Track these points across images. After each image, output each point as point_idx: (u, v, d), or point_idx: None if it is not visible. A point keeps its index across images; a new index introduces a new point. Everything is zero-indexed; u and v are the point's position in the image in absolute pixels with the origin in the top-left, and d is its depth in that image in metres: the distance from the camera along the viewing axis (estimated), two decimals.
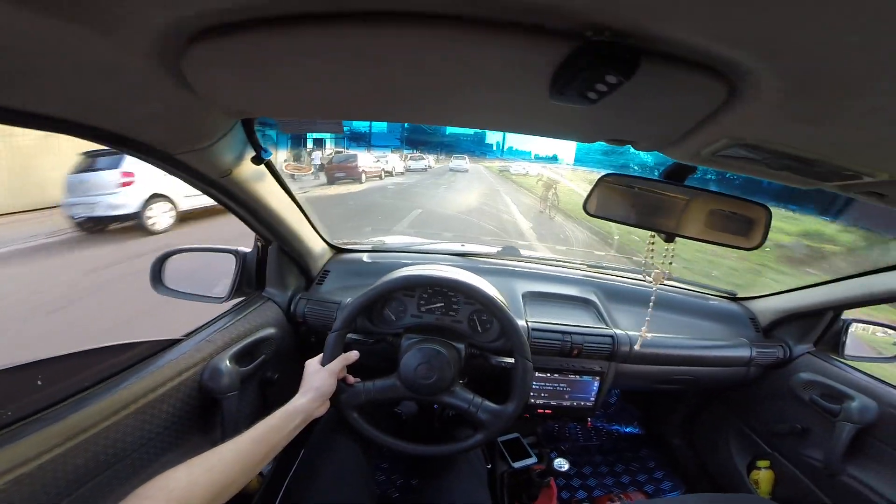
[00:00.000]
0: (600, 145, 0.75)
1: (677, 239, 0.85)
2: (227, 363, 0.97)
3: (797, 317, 1.31)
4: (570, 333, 1.18)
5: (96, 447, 0.72)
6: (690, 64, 0.42)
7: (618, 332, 1.21)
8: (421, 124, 0.70)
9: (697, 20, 0.35)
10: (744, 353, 1.25)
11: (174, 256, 1.15)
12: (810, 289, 1.28)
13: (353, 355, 0.99)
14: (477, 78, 0.48)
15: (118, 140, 0.60)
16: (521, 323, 1.17)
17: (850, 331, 1.25)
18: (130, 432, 0.78)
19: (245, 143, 0.82)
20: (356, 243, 1.52)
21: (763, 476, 1.29)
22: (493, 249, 1.59)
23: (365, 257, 1.45)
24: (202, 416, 0.95)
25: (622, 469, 1.71)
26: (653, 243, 0.90)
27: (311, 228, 1.27)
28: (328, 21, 0.40)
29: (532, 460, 1.43)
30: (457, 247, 1.57)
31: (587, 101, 0.45)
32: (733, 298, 1.48)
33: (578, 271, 1.50)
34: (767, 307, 1.39)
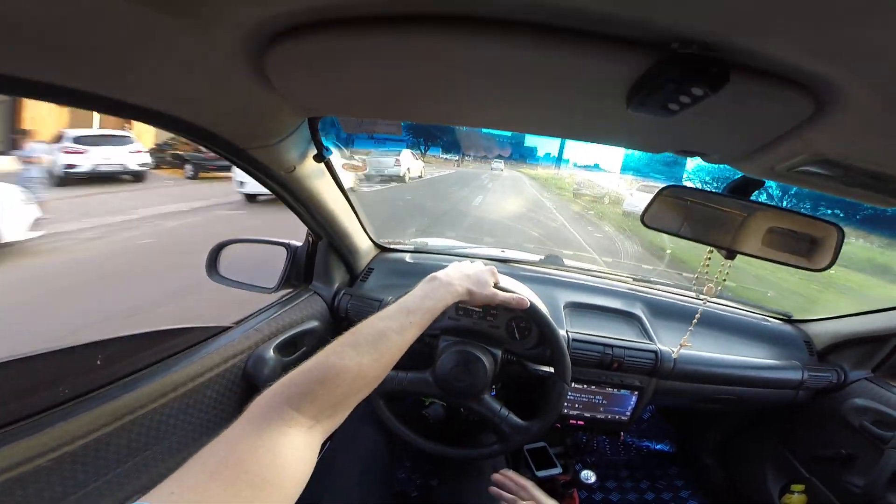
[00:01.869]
0: (661, 155, 0.73)
1: (738, 256, 0.83)
2: (271, 353, 1.00)
3: (857, 342, 1.24)
4: (611, 346, 1.15)
5: (140, 428, 0.75)
6: (779, 78, 0.41)
7: (662, 348, 1.17)
8: (490, 129, 0.70)
9: (791, 36, 0.34)
10: (794, 375, 1.19)
11: (230, 246, 1.20)
12: (874, 314, 1.22)
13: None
14: (553, 87, 0.49)
15: (199, 133, 0.64)
16: (561, 333, 1.16)
17: None
18: (174, 415, 0.81)
19: (309, 141, 0.85)
20: (400, 243, 1.54)
21: (796, 500, 1.23)
22: (536, 257, 1.57)
23: (408, 257, 1.47)
24: (243, 403, 0.98)
25: (647, 486, 1.65)
26: (709, 258, 0.87)
27: (360, 226, 1.30)
28: (405, 24, 0.41)
29: (557, 470, 1.41)
30: (497, 252, 1.57)
31: (667, 112, 0.45)
32: (788, 320, 1.41)
33: (624, 284, 1.47)
34: (825, 330, 1.33)
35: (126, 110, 0.54)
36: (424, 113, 0.65)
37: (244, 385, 0.97)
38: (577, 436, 1.79)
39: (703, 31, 0.36)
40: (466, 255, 1.52)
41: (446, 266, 0.85)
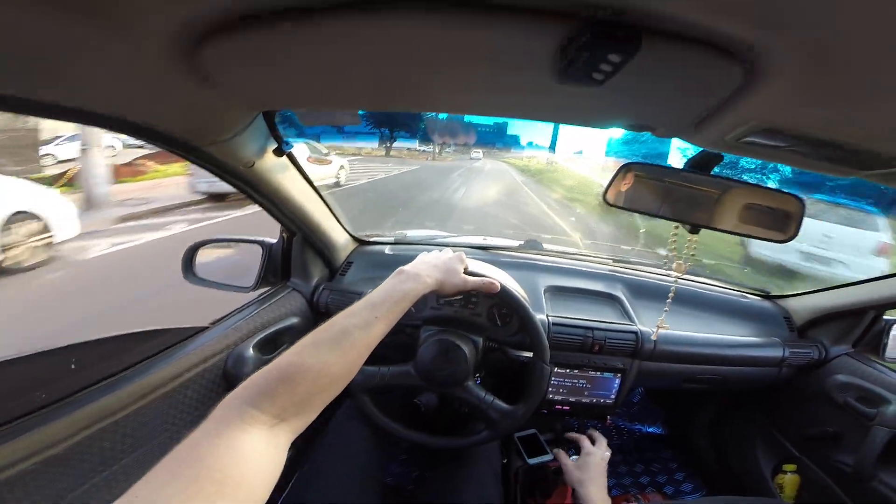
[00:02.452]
0: (642, 137, 0.73)
1: (711, 233, 0.83)
2: (251, 351, 1.00)
3: (836, 316, 1.24)
4: (591, 329, 1.16)
5: (124, 430, 0.75)
6: (698, 43, 0.40)
7: (642, 328, 1.18)
8: (432, 112, 0.69)
9: None
10: (776, 353, 1.20)
11: (204, 247, 1.20)
12: (851, 287, 1.22)
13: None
14: (479, 63, 0.48)
15: (145, 132, 0.63)
16: (541, 317, 1.16)
17: (892, 332, 1.18)
18: (156, 416, 0.81)
19: (267, 135, 0.85)
20: (378, 235, 1.54)
21: (788, 480, 1.24)
22: (515, 243, 1.57)
23: (387, 249, 1.47)
24: None
25: (642, 469, 1.67)
26: (676, 234, 0.87)
27: (335, 220, 1.30)
28: (333, 11, 0.41)
29: (548, 457, 1.42)
30: (478, 240, 1.57)
31: (594, 82, 0.44)
32: (767, 296, 1.42)
33: (604, 266, 1.47)
34: (803, 306, 1.33)
35: (66, 114, 0.53)
36: (366, 100, 0.64)
37: (225, 385, 0.97)
38: (566, 421, 1.80)
39: None
40: (446, 245, 1.52)
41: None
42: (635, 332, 1.16)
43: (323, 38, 0.45)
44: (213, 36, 0.44)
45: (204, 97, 0.59)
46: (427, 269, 0.78)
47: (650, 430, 1.86)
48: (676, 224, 0.85)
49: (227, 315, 1.09)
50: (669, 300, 1.01)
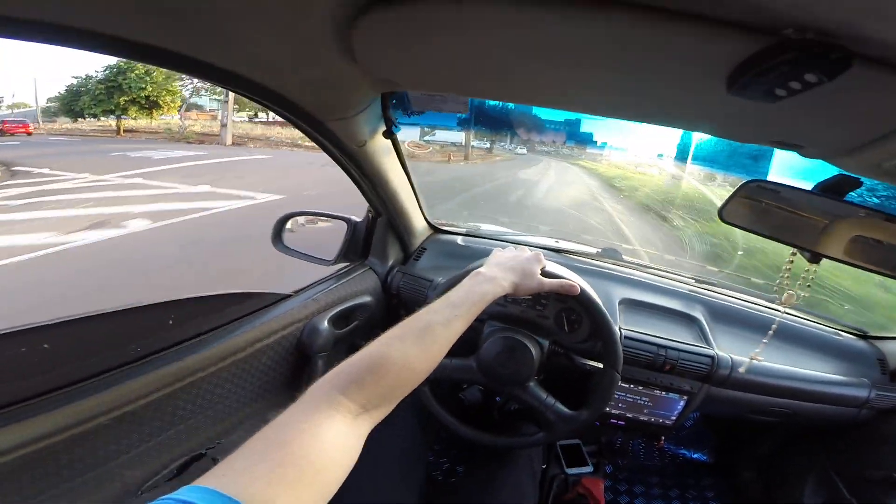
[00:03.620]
0: (746, 148, 0.68)
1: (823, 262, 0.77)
2: (325, 324, 1.03)
3: None
4: (665, 347, 1.11)
5: (198, 390, 0.78)
6: None
7: (720, 353, 1.11)
8: (581, 114, 0.67)
9: None
10: (860, 393, 1.11)
11: (294, 217, 1.25)
12: None
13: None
14: (647, 67, 0.46)
15: (284, 103, 0.66)
16: (616, 332, 1.13)
17: None
18: (229, 379, 0.85)
19: (380, 117, 0.87)
20: (453, 225, 1.55)
21: None
22: (592, 249, 1.52)
23: (459, 240, 1.47)
24: (293, 372, 1.02)
25: (676, 495, 1.59)
26: (792, 262, 0.81)
27: (418, 206, 1.32)
28: None
29: (588, 469, 1.39)
30: (551, 242, 1.53)
31: (771, 98, 0.42)
32: (863, 336, 1.30)
33: (685, 285, 1.40)
34: None
35: (216, 75, 0.56)
36: (505, 91, 0.64)
37: (297, 354, 1.01)
38: (612, 437, 1.75)
39: (823, 18, 0.33)
40: (518, 243, 1.49)
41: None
42: (711, 357, 1.10)
43: (479, 24, 0.44)
44: (369, 10, 0.45)
45: (342, 73, 0.61)
46: (503, 272, 0.78)
47: (695, 455, 1.77)
48: (793, 250, 0.79)
49: (308, 286, 1.13)
50: (771, 333, 0.95)
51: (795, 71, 0.37)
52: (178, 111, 22.59)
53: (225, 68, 0.56)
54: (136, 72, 20.27)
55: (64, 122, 25.76)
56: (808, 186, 0.75)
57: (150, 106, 21.55)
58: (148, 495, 0.68)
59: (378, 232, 1.27)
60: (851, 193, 0.73)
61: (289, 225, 1.27)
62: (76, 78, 24.02)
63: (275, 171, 11.30)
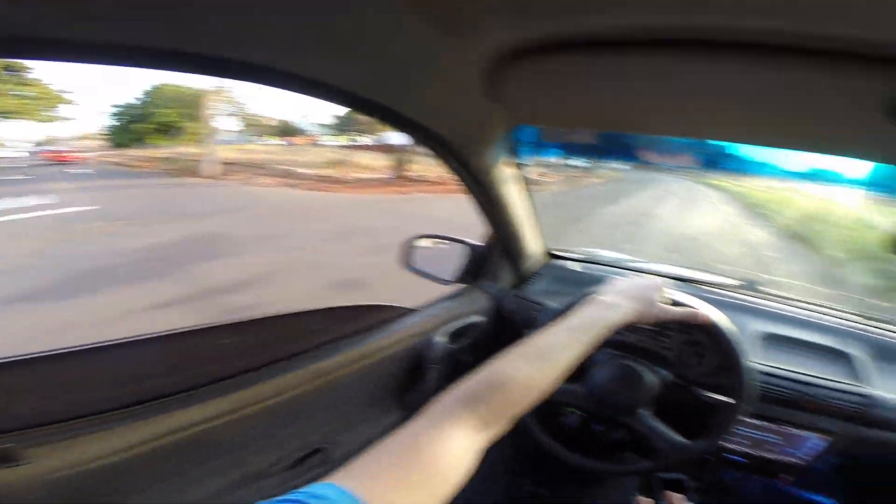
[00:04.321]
0: None
1: None
2: (440, 338, 1.09)
3: None
4: (808, 385, 0.98)
5: (325, 390, 0.84)
6: None
7: (874, 392, 0.96)
8: (718, 140, 0.65)
9: None
10: None
11: (422, 240, 1.35)
12: None
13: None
14: (799, 105, 0.44)
15: (433, 137, 0.73)
16: (750, 365, 1.01)
17: None
18: (354, 382, 0.91)
19: (509, 146, 0.92)
20: (569, 251, 1.54)
21: None
22: (729, 280, 1.38)
23: (577, 266, 1.45)
24: (407, 381, 1.08)
25: None
26: None
27: (536, 231, 1.34)
28: (642, 47, 0.41)
29: None
30: (680, 271, 1.42)
31: None
32: None
33: (839, 319, 1.21)
34: None
35: (391, 117, 0.65)
36: (651, 126, 0.64)
37: (412, 364, 1.07)
38: (726, 475, 1.52)
39: None
40: (641, 271, 1.42)
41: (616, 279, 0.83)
42: (864, 395, 0.95)
43: (629, 70, 0.46)
44: (521, 57, 0.49)
45: (486, 110, 0.67)
46: (623, 299, 0.75)
47: (818, 498, 1.44)
48: None
49: (430, 303, 1.22)
50: None
51: None
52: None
53: (394, 109, 0.64)
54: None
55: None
56: None
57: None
58: (266, 480, 0.76)
59: (494, 255, 1.32)
60: None
61: (418, 244, 1.37)
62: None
63: None
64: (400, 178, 15.87)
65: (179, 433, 0.64)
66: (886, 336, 1.16)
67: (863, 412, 0.95)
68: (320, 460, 0.86)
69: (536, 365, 0.56)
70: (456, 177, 0.91)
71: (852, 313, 1.25)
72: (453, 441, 0.43)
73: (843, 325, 1.19)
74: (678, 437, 0.91)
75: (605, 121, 0.65)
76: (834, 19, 0.32)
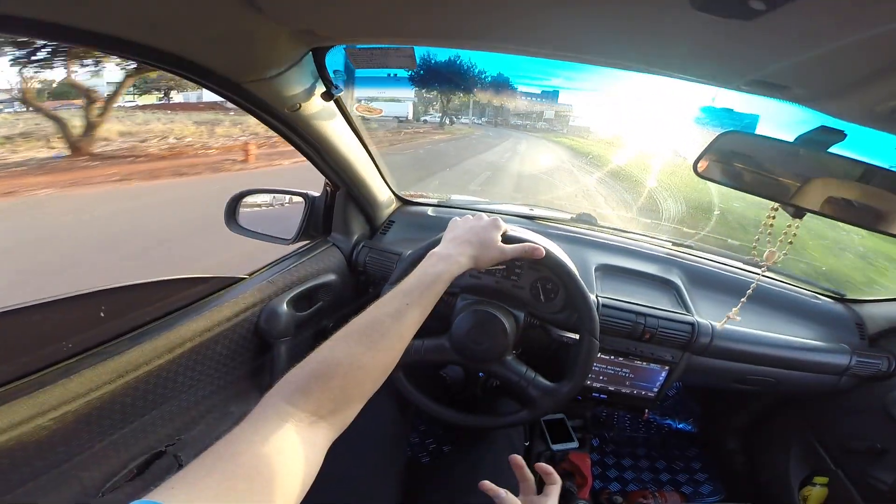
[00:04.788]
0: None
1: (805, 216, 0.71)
2: (284, 307, 0.97)
3: None
4: (644, 315, 1.06)
5: (147, 386, 0.73)
6: None
7: (700, 320, 1.07)
8: (526, 55, 0.57)
9: None
10: (841, 360, 1.08)
11: (249, 195, 1.17)
12: None
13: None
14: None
15: (187, 66, 0.57)
16: (591, 297, 1.08)
17: None
18: (182, 372, 0.80)
19: (315, 76, 0.77)
20: (422, 196, 1.48)
21: (815, 493, 1.15)
22: (566, 215, 1.46)
23: (430, 211, 1.40)
24: (253, 359, 0.97)
25: (664, 466, 1.60)
26: (773, 217, 0.75)
27: (380, 176, 1.24)
28: None
29: (573, 445, 1.37)
30: (525, 209, 1.46)
31: (748, 12, 0.34)
32: (841, 299, 1.27)
33: (662, 248, 1.35)
34: (880, 313, 1.18)
35: (98, 42, 0.48)
36: (452, 31, 0.55)
37: (256, 340, 0.96)
38: (598, 410, 1.74)
39: None
40: (490, 211, 1.42)
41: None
42: (692, 324, 1.06)
43: None
44: None
45: (252, 24, 0.52)
46: (459, 248, 0.75)
47: (680, 426, 1.77)
48: (775, 205, 0.73)
49: (264, 267, 1.07)
50: (750, 292, 0.90)
51: None
52: None
53: (103, 32, 0.47)
54: None
55: None
56: (790, 139, 0.68)
57: None
58: (111, 496, 0.65)
59: (338, 206, 1.20)
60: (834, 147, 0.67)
61: (244, 201, 1.19)
62: None
63: None
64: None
65: None
66: (696, 262, 1.31)
67: (691, 340, 1.06)
68: (167, 464, 0.73)
69: (361, 341, 0.54)
70: (248, 113, 0.75)
71: (670, 241, 1.40)
72: (277, 438, 0.41)
73: (664, 253, 1.33)
74: (546, 382, 0.93)
75: (393, 26, 0.54)
76: None
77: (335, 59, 0.78)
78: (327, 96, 0.81)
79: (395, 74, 0.90)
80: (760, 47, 0.43)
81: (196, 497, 0.33)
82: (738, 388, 1.15)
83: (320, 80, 0.79)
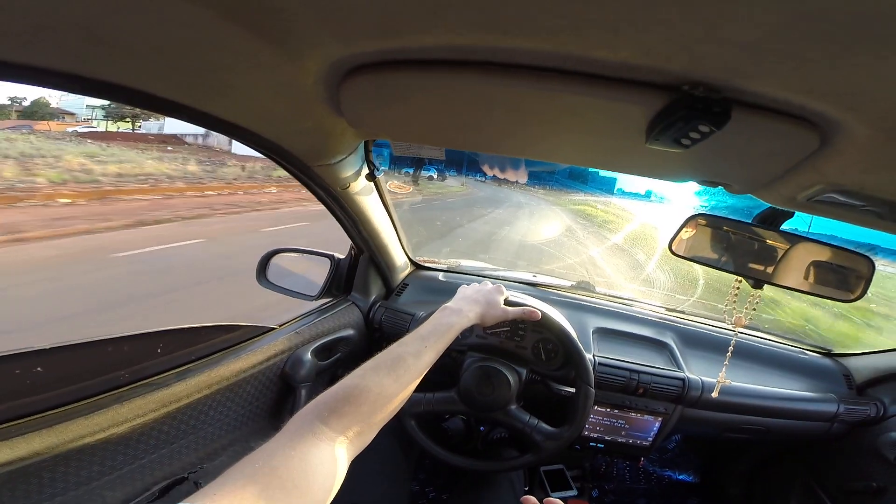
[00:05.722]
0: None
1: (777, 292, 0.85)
2: (308, 355, 1.06)
3: None
4: (637, 371, 1.17)
5: (183, 416, 0.80)
6: (781, 114, 0.45)
7: (689, 376, 1.18)
8: (525, 158, 0.77)
9: (781, 77, 0.39)
10: (829, 408, 1.18)
11: (279, 255, 1.30)
12: None
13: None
14: (579, 123, 0.55)
15: (274, 149, 0.73)
16: (588, 356, 1.18)
17: None
18: (214, 407, 0.87)
19: (363, 160, 0.94)
20: (434, 262, 1.61)
21: None
22: (567, 283, 1.60)
23: (441, 276, 1.53)
24: (276, 401, 1.04)
25: None
26: (738, 288, 0.89)
27: (399, 243, 1.38)
28: (457, 67, 0.48)
29: (572, 493, 1.40)
30: (529, 276, 1.60)
31: (681, 146, 0.50)
32: (828, 354, 1.39)
33: (656, 313, 1.48)
34: (865, 365, 1.30)
35: (217, 124, 0.62)
36: (467, 141, 0.72)
37: (280, 384, 1.04)
38: (596, 460, 1.77)
39: (707, 74, 0.41)
40: (497, 278, 1.56)
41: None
42: (682, 379, 1.17)
43: (439, 87, 0.52)
44: (357, 72, 0.53)
45: (331, 123, 0.68)
46: (467, 304, 0.84)
47: (681, 477, 1.80)
48: (738, 278, 0.87)
49: (292, 319, 1.17)
50: (729, 354, 1.02)
51: (691, 124, 0.45)
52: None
53: (225, 119, 0.62)
54: None
55: None
56: (748, 219, 0.84)
57: None
58: None
59: (360, 268, 1.33)
60: (786, 224, 0.83)
61: (273, 261, 1.31)
62: None
63: None
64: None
65: (16, 465, 0.56)
66: (687, 325, 1.44)
67: (682, 394, 1.16)
68: (187, 490, 0.78)
69: (388, 373, 0.60)
70: (307, 189, 0.91)
71: (663, 307, 1.54)
72: (313, 455, 0.44)
73: (658, 317, 1.46)
74: (548, 427, 1.01)
75: (431, 136, 0.71)
76: (603, 45, 0.39)
77: (379, 145, 0.96)
78: (370, 177, 0.98)
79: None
80: (698, 161, 0.60)
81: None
82: (730, 437, 1.23)
83: (366, 164, 0.96)
